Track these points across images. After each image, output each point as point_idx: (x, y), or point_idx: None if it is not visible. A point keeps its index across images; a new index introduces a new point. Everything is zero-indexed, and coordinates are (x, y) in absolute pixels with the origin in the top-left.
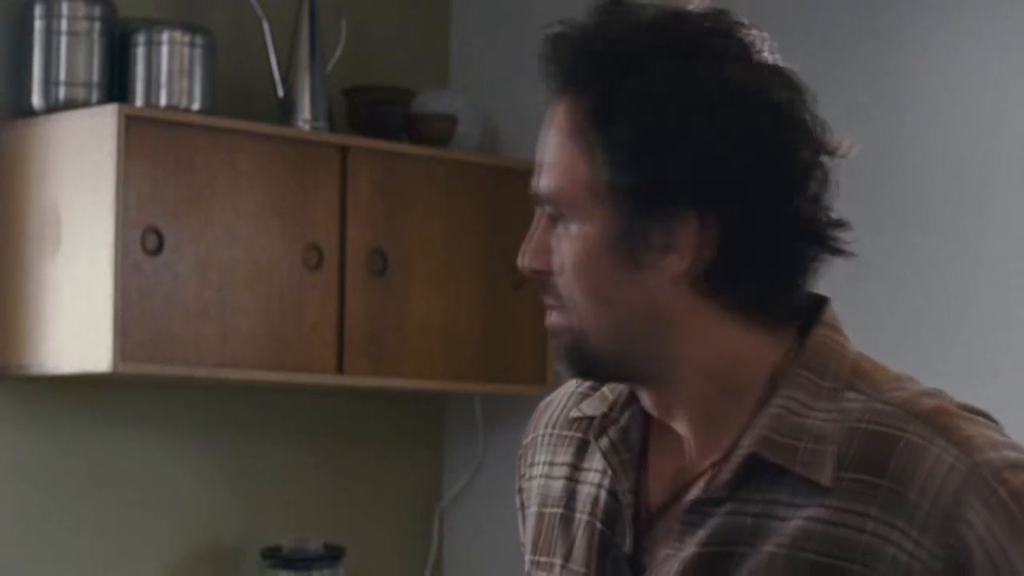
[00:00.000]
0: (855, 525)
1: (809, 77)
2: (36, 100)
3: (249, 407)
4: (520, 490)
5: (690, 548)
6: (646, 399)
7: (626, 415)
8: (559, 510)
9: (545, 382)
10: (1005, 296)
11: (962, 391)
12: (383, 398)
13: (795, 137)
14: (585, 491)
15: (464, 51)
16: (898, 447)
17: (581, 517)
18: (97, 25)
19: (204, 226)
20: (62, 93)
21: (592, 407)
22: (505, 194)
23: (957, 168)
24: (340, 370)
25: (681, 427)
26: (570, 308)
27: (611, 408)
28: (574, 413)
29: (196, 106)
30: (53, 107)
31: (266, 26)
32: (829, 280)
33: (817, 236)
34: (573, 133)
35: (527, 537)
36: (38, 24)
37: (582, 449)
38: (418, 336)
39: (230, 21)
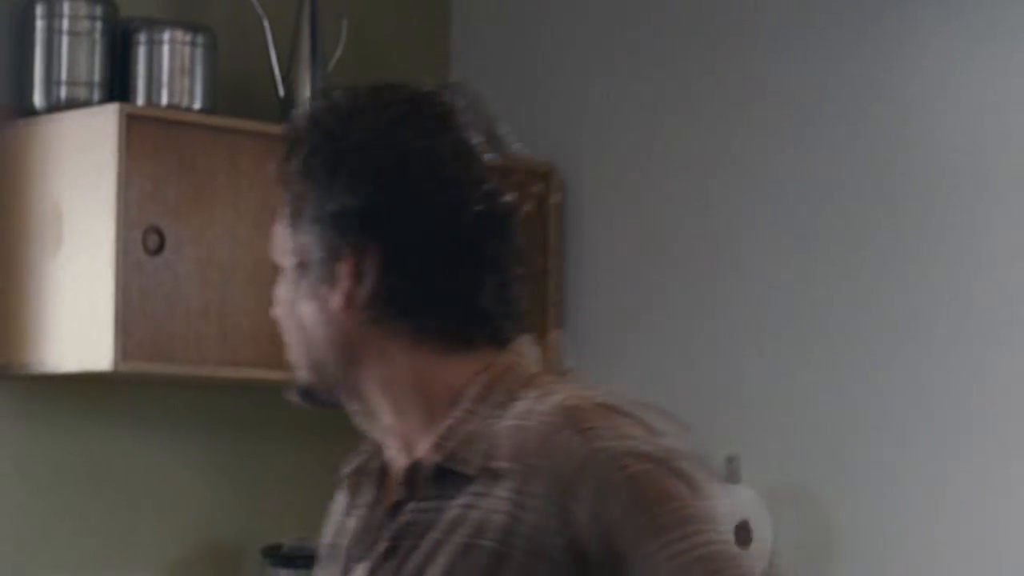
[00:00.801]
0: (495, 507)
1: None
2: (38, 99)
3: (250, 406)
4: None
5: (383, 544)
6: (362, 420)
7: (369, 451)
8: (329, 539)
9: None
10: (1008, 296)
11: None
12: None
13: (450, 193)
14: (348, 520)
15: (465, 51)
16: (534, 435)
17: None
18: (98, 24)
19: (205, 225)
20: (63, 92)
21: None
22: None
23: (960, 168)
24: None
25: (391, 440)
26: (287, 344)
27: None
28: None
29: (197, 105)
30: (55, 106)
31: (267, 25)
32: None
33: (477, 287)
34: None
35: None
36: (39, 23)
37: (357, 488)
38: None
39: (231, 20)
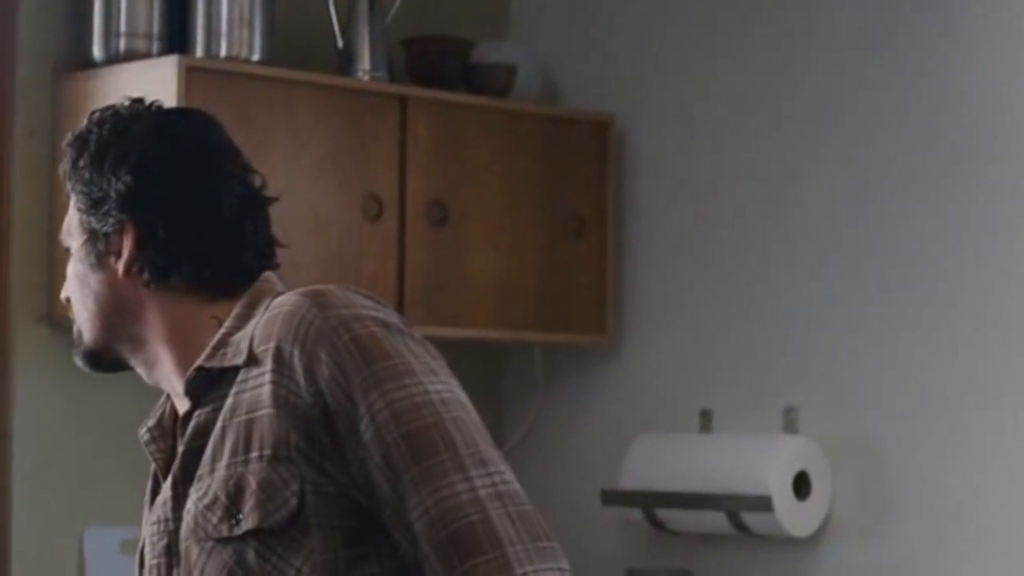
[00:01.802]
0: (261, 382)
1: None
2: (97, 52)
3: None
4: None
5: (179, 453)
6: (143, 374)
7: (160, 410)
8: (152, 467)
9: (604, 331)
10: None
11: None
12: (443, 348)
13: (207, 179)
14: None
15: (524, 3)
16: (282, 316)
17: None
18: None
19: (265, 176)
20: (122, 44)
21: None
22: (564, 144)
23: (1021, 129)
24: None
25: (172, 385)
26: (75, 314)
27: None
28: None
29: (256, 57)
30: (113, 59)
31: None
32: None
33: (237, 248)
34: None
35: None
36: None
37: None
38: (477, 286)
39: None
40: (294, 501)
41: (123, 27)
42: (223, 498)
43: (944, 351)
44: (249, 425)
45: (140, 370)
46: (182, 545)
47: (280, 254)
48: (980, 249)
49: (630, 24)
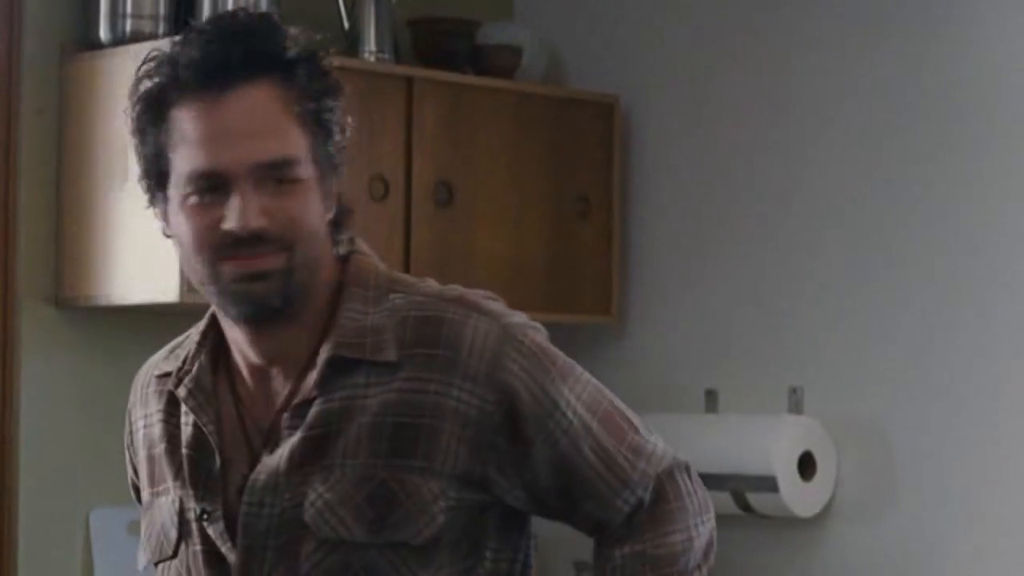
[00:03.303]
0: (421, 388)
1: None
2: (103, 33)
3: None
4: (129, 445)
5: (296, 436)
6: (254, 341)
7: (196, 367)
8: (163, 446)
9: (610, 312)
10: None
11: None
12: None
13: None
14: (183, 431)
15: None
16: (444, 323)
17: (185, 452)
18: None
19: None
20: (128, 26)
21: (169, 365)
22: (570, 125)
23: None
24: None
25: (275, 355)
26: (288, 251)
27: (183, 364)
28: (157, 371)
29: None
30: (120, 40)
31: None
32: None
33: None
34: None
35: (143, 478)
36: None
37: (173, 399)
38: (484, 267)
39: None
40: (441, 519)
41: (129, 8)
42: (359, 499)
43: (948, 332)
44: (400, 429)
45: (284, 333)
46: (270, 532)
47: None
48: (983, 230)
49: (635, 5)
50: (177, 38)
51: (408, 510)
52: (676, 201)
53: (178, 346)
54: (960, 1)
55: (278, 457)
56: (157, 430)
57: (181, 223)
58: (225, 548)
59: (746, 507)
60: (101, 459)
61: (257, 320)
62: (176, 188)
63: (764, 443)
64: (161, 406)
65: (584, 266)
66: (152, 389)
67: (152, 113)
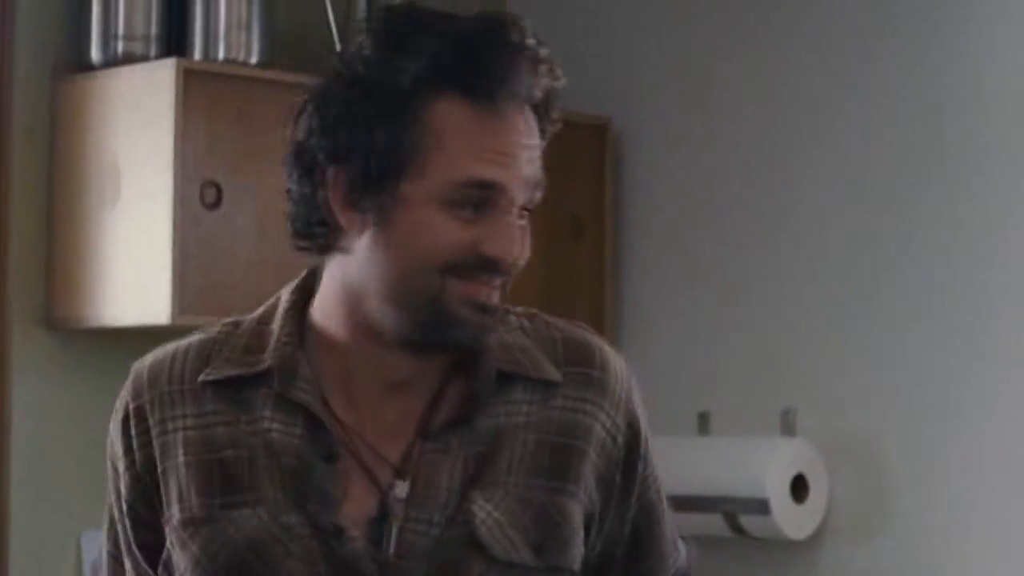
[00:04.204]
0: (578, 408)
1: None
2: (95, 54)
3: None
4: (142, 446)
5: (459, 451)
6: (405, 364)
7: (305, 371)
8: (234, 452)
9: (602, 333)
10: None
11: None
12: None
13: None
14: (276, 438)
15: (522, 4)
16: (594, 347)
17: (285, 461)
18: None
19: (262, 179)
20: (120, 47)
21: (235, 369)
22: (562, 146)
23: (1019, 125)
24: None
25: (414, 377)
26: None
27: (264, 368)
28: (216, 375)
29: (254, 59)
30: (111, 61)
31: None
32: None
33: None
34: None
35: (179, 487)
36: None
37: (243, 401)
38: None
39: None
40: (583, 547)
41: (121, 29)
42: (525, 520)
43: (942, 353)
44: (559, 450)
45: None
46: (435, 551)
47: (278, 255)
48: (978, 250)
49: (628, 26)
50: (425, 24)
51: (566, 535)
52: (668, 222)
53: (211, 346)
54: (948, 18)
55: (444, 473)
56: (220, 433)
57: (422, 229)
58: (369, 568)
59: (738, 529)
60: (93, 481)
61: (455, 350)
62: (428, 191)
63: (756, 465)
64: (219, 407)
65: (576, 287)
66: (188, 387)
67: (398, 102)
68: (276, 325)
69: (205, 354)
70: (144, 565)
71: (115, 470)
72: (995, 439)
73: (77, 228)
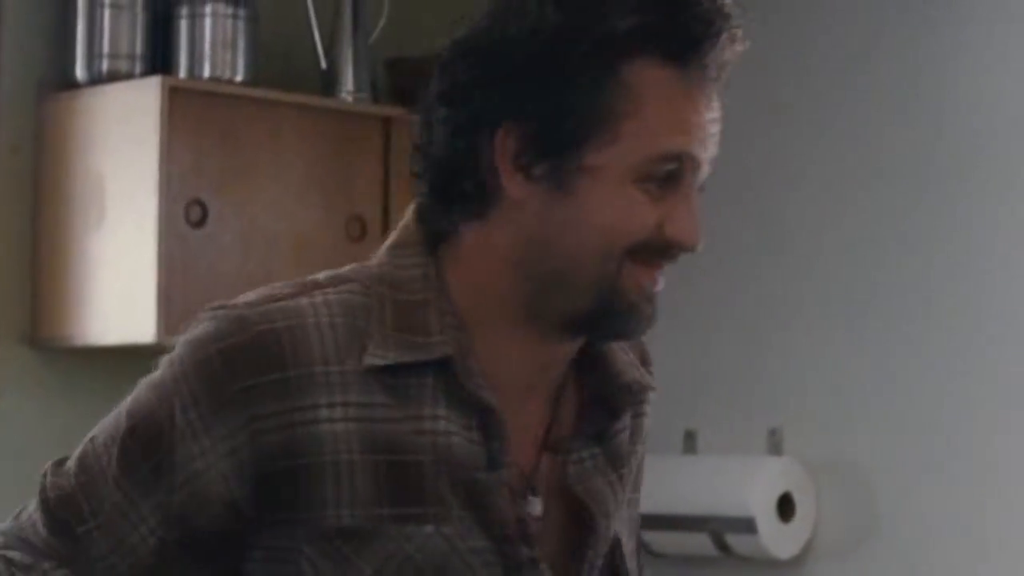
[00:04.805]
0: (647, 412)
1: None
2: (80, 72)
3: None
4: (267, 431)
5: (593, 468)
6: (553, 360)
7: (472, 366)
8: (404, 454)
9: None
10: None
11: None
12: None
13: None
14: (452, 442)
15: None
16: (636, 350)
17: (445, 468)
18: None
19: (248, 198)
20: (105, 65)
21: (409, 353)
22: None
23: (1012, 144)
24: None
25: (547, 379)
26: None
27: (459, 353)
28: (383, 360)
29: (239, 77)
30: (96, 79)
31: None
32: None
33: None
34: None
35: (345, 487)
36: None
37: (401, 394)
38: None
39: None
40: None
41: (106, 48)
42: (632, 543)
43: (929, 373)
44: (640, 459)
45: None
46: None
47: (263, 274)
48: (966, 269)
49: None
50: None
51: (635, 550)
52: None
53: (356, 318)
54: (943, 22)
55: (607, 494)
56: (387, 430)
57: (608, 205)
58: None
59: (724, 548)
60: None
61: (616, 338)
62: (618, 162)
63: (743, 484)
64: (384, 399)
65: None
66: (349, 369)
67: (600, 57)
68: (425, 298)
69: (357, 329)
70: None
71: (181, 439)
72: (980, 460)
73: (62, 246)
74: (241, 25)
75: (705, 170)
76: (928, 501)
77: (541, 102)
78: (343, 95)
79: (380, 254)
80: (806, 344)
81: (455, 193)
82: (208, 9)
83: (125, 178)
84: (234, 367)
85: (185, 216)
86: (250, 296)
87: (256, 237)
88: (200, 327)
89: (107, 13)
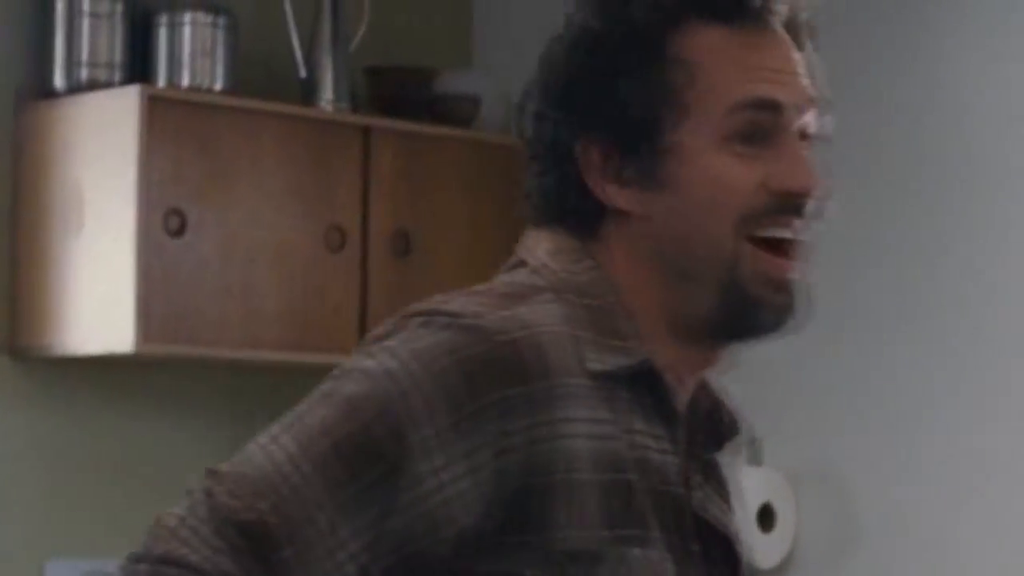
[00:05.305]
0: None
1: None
2: (59, 81)
3: (271, 387)
4: (511, 449)
5: (703, 486)
6: (712, 358)
7: (659, 372)
8: (621, 472)
9: None
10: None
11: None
12: None
13: None
14: (661, 459)
15: (487, 31)
16: None
17: (650, 486)
18: (119, 6)
19: (227, 207)
20: (84, 74)
21: (621, 358)
22: (512, 165)
23: (989, 157)
24: None
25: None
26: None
27: (645, 360)
28: (603, 366)
29: (218, 86)
30: (76, 88)
31: (288, 6)
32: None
33: None
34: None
35: (576, 507)
36: (60, 5)
37: (615, 406)
38: None
39: (253, 1)
40: None
41: (85, 56)
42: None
43: (909, 383)
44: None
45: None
46: None
47: (242, 283)
48: (947, 279)
49: None
50: None
51: None
52: None
53: (568, 324)
54: (932, 26)
55: (728, 522)
56: (609, 447)
57: (702, 178)
58: None
59: None
60: (57, 509)
61: (753, 335)
62: (698, 132)
63: None
64: (608, 414)
65: None
66: (583, 382)
67: (641, 44)
68: (609, 301)
69: (574, 338)
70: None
71: (409, 458)
72: (961, 470)
73: (41, 255)
74: (220, 34)
75: (801, 115)
76: (908, 510)
77: (603, 108)
78: (322, 104)
79: (544, 261)
80: (785, 354)
81: (567, 215)
82: (187, 18)
83: (104, 187)
84: (476, 380)
85: (164, 225)
86: (458, 304)
87: (235, 246)
88: (426, 336)
89: (86, 22)
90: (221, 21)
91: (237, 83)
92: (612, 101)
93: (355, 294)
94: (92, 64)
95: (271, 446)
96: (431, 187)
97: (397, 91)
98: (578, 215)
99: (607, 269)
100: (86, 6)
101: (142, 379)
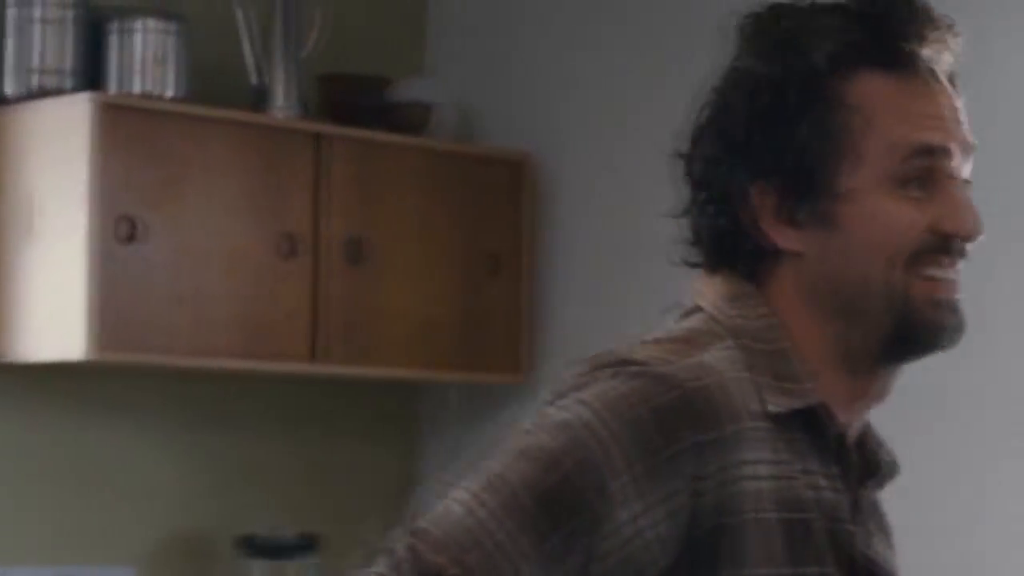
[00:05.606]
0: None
1: None
2: (10, 87)
3: (223, 395)
4: (701, 492)
5: (865, 523)
6: (876, 387)
7: (832, 414)
8: (808, 515)
9: (519, 371)
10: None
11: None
12: (358, 387)
13: None
14: (826, 495)
15: (440, 39)
16: None
17: (823, 524)
18: (71, 12)
19: (179, 214)
20: (36, 80)
21: (797, 401)
22: (480, 182)
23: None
24: (314, 358)
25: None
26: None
27: (819, 403)
28: (781, 409)
29: (170, 93)
30: (27, 95)
31: (240, 13)
32: None
33: None
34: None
35: (759, 547)
36: (11, 11)
37: (794, 447)
38: (393, 325)
39: (205, 8)
40: None
41: (36, 63)
42: None
43: (897, 390)
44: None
45: (887, 373)
46: None
47: (194, 290)
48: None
49: (547, 61)
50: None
51: None
52: (587, 259)
53: (747, 367)
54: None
55: (893, 563)
56: (792, 487)
57: (875, 220)
58: None
59: None
60: (14, 518)
61: (923, 355)
62: (871, 176)
63: None
64: (785, 456)
65: (495, 325)
66: (758, 424)
67: (817, 90)
68: (784, 347)
69: (755, 384)
70: None
71: (610, 506)
72: (953, 475)
73: None
74: (172, 41)
75: (963, 159)
76: (897, 517)
77: (780, 154)
78: (274, 111)
79: (720, 307)
80: None
81: (738, 265)
82: (139, 24)
83: (55, 194)
84: (670, 426)
85: (115, 232)
86: (645, 353)
87: (187, 253)
88: (618, 386)
89: (37, 28)
90: (173, 28)
91: (189, 90)
92: (791, 146)
93: (307, 301)
94: (43, 71)
95: (472, 502)
96: (383, 194)
97: (350, 98)
98: (751, 257)
99: (778, 311)
100: (37, 13)
101: (94, 386)
